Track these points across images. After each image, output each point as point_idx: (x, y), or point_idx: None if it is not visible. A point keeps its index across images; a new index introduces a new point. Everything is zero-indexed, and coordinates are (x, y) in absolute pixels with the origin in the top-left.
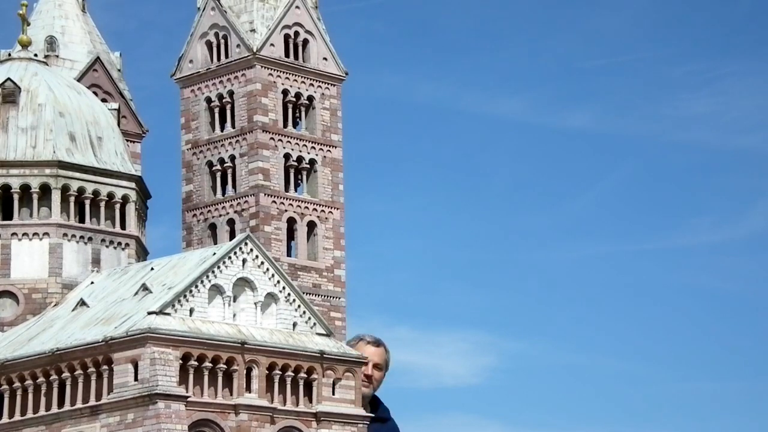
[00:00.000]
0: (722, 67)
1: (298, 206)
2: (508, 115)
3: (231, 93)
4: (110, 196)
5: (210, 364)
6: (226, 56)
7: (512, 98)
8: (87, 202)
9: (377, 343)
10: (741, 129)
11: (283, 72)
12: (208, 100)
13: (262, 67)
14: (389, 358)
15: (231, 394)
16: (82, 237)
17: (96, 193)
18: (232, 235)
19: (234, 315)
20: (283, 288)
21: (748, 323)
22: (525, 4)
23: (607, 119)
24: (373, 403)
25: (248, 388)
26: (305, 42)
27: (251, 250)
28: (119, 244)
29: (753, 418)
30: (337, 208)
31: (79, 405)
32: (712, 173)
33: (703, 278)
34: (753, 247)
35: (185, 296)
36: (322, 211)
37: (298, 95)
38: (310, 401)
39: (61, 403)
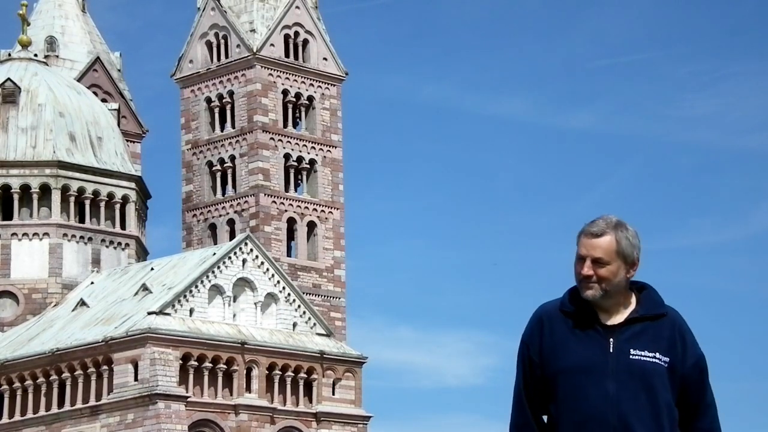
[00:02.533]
0: (726, 68)
1: (298, 206)
2: (510, 115)
3: (231, 93)
4: (110, 196)
5: (210, 364)
6: (226, 56)
7: (514, 98)
8: (87, 202)
9: (598, 233)
10: (745, 129)
11: (283, 72)
12: (208, 100)
13: (262, 67)
14: (625, 247)
15: (231, 394)
16: (82, 237)
17: (96, 193)
18: (232, 235)
19: (234, 315)
20: (283, 288)
21: (749, 324)
22: (528, 4)
23: (611, 119)
24: (640, 292)
25: (248, 388)
26: (305, 42)
27: (251, 250)
28: (119, 244)
29: (753, 418)
30: (337, 208)
31: (79, 405)
32: (716, 174)
33: (705, 279)
34: (755, 248)
35: (185, 296)
36: (322, 211)
37: (298, 95)
38: (310, 401)
39: (61, 403)
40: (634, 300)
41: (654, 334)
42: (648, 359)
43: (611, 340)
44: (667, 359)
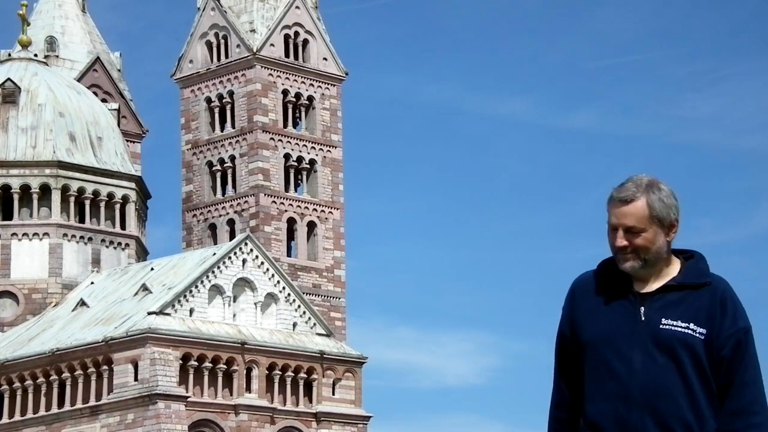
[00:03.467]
0: (727, 68)
1: (298, 206)
2: (510, 116)
3: (231, 93)
4: (110, 196)
5: (210, 364)
6: (226, 56)
7: (515, 99)
8: (87, 202)
9: (628, 198)
10: (745, 130)
11: (283, 72)
12: (208, 100)
13: (262, 67)
14: (660, 210)
15: (231, 394)
16: (82, 237)
17: (96, 193)
18: (232, 235)
19: (234, 315)
20: (283, 288)
21: (752, 324)
22: (529, 5)
23: (612, 120)
24: (687, 260)
25: (248, 388)
26: (305, 42)
27: (251, 250)
28: (119, 244)
29: None
30: (337, 208)
31: (79, 405)
32: (717, 174)
33: None
34: (757, 248)
35: (185, 296)
36: (322, 211)
37: (298, 95)
38: (310, 401)
39: (61, 403)
40: (677, 268)
41: (692, 304)
42: (679, 329)
43: (642, 308)
44: (703, 331)
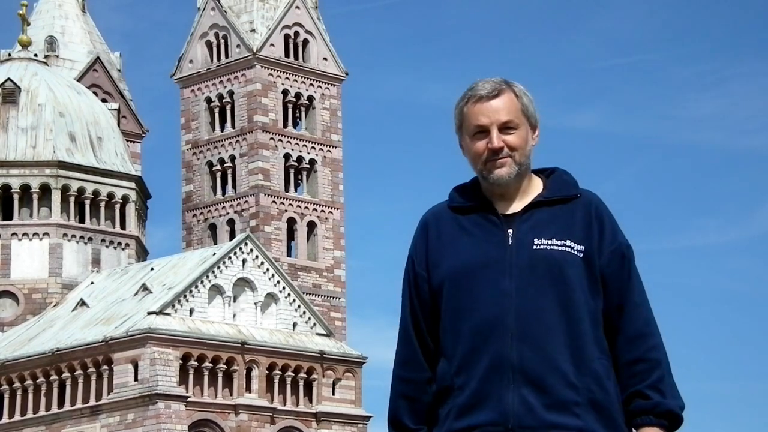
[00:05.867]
0: (730, 68)
1: (298, 206)
2: None
3: (231, 93)
4: (110, 196)
5: (210, 364)
6: (226, 56)
7: None
8: (87, 202)
9: (493, 93)
10: (749, 130)
11: (283, 72)
12: (208, 100)
13: (262, 67)
14: (527, 103)
15: (231, 394)
16: (82, 237)
17: (96, 193)
18: (232, 235)
19: (234, 315)
20: (283, 288)
21: (753, 324)
22: (532, 5)
23: (615, 120)
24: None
25: (248, 388)
26: (305, 42)
27: (251, 250)
28: (119, 244)
29: (754, 418)
30: (337, 208)
31: (79, 405)
32: (720, 174)
33: (709, 279)
34: (760, 248)
35: (185, 296)
36: (322, 211)
37: (298, 95)
38: (310, 401)
39: (61, 403)
40: (540, 185)
41: (565, 220)
42: (556, 248)
43: (510, 231)
44: (581, 248)
